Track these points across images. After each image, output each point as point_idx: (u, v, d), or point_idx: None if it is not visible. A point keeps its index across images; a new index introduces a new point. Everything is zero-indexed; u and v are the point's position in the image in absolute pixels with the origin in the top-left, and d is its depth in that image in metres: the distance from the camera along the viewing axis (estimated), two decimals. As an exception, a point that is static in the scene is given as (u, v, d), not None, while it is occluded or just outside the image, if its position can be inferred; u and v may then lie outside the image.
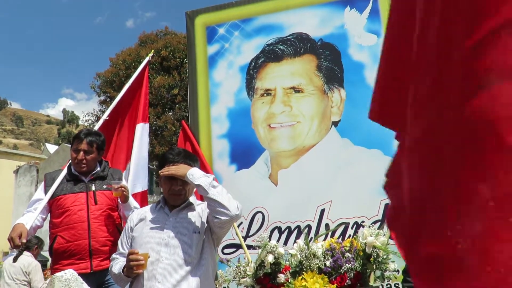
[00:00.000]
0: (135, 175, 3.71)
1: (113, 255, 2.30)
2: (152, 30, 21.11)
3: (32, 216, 2.88)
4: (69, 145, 3.15)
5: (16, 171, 23.93)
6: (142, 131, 3.92)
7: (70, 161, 3.12)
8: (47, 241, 3.05)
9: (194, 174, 2.15)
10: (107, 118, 3.70)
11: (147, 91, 4.13)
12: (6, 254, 21.93)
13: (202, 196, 2.17)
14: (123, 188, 2.95)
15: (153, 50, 5.30)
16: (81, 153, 2.98)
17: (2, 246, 23.46)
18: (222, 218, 2.10)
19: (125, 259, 2.16)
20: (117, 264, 2.20)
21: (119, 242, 2.31)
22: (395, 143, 2.59)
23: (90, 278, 2.80)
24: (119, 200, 3.05)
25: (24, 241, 2.75)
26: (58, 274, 1.59)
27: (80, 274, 2.71)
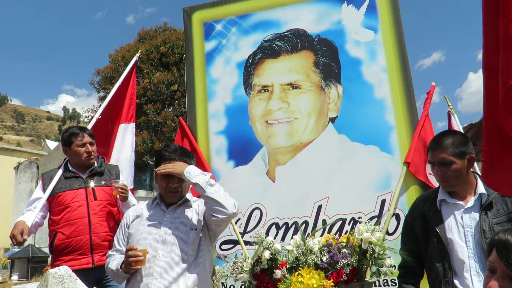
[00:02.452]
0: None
1: (109, 252, 2.31)
2: (151, 26, 21.00)
3: (32, 215, 2.91)
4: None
5: (16, 168, 23.96)
6: (124, 132, 3.95)
7: (68, 159, 3.15)
8: (47, 239, 3.08)
9: (191, 172, 2.15)
10: (100, 116, 3.72)
11: (133, 91, 4.15)
12: (7, 250, 22.02)
13: (199, 193, 2.18)
14: (121, 188, 2.97)
15: (140, 50, 5.31)
16: (88, 145, 3.05)
17: (3, 241, 23.55)
18: (219, 216, 2.11)
19: (121, 256, 2.18)
20: (114, 260, 2.21)
21: (115, 238, 2.33)
22: (392, 139, 2.69)
23: (91, 273, 2.83)
24: (118, 197, 3.07)
25: (26, 237, 2.78)
26: (52, 270, 1.60)
27: (81, 269, 2.74)
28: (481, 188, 2.10)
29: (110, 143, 3.91)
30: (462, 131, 3.70)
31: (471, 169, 2.14)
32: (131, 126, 4.04)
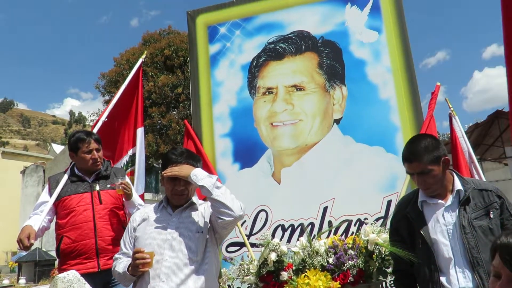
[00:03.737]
0: (139, 178, 3.79)
1: (116, 255, 2.32)
2: (155, 29, 21.13)
3: (39, 219, 2.93)
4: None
5: (23, 172, 24.11)
6: (141, 136, 4.00)
7: (74, 163, 3.16)
8: (54, 242, 3.10)
9: (198, 175, 2.16)
10: (106, 119, 3.74)
11: (141, 94, 4.18)
12: (14, 253, 22.14)
13: (205, 196, 2.19)
14: (123, 185, 2.98)
15: (145, 52, 5.31)
16: (94, 151, 3.06)
17: (10, 245, 23.69)
18: (226, 218, 2.12)
19: (128, 259, 2.18)
20: (121, 263, 2.22)
21: (121, 242, 2.33)
22: (397, 139, 2.66)
23: (97, 277, 2.84)
24: (123, 198, 3.09)
25: (33, 241, 2.80)
26: (60, 275, 1.61)
27: (87, 273, 2.74)
28: (458, 185, 2.12)
29: (117, 147, 3.93)
30: (464, 133, 3.68)
31: (449, 168, 2.17)
32: (143, 130, 4.10)
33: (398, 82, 3.34)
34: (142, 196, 3.73)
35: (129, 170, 3.89)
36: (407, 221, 2.21)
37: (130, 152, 3.98)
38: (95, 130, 3.51)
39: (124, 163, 3.94)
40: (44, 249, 18.98)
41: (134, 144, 4.00)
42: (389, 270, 2.48)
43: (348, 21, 3.56)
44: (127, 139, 4.02)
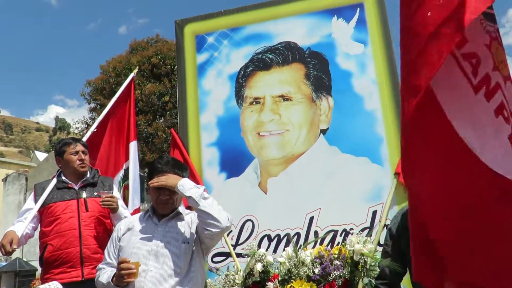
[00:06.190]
0: (135, 192, 3.77)
1: (99, 265, 2.29)
2: (143, 37, 21.13)
3: (23, 225, 2.87)
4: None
5: (5, 179, 23.67)
6: (135, 149, 4.00)
7: (61, 170, 3.13)
8: (37, 251, 3.04)
9: (185, 185, 2.15)
10: (95, 130, 3.73)
11: (133, 107, 4.19)
12: (-6, 263, 21.60)
13: (190, 205, 2.18)
14: (106, 201, 2.94)
15: (137, 67, 5.35)
16: (81, 153, 3.06)
17: (-10, 255, 23.14)
18: (213, 230, 2.11)
19: (112, 269, 2.15)
20: (105, 273, 2.18)
21: (105, 251, 2.30)
22: (382, 150, 2.70)
23: (80, 286, 2.78)
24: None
25: (15, 247, 2.74)
26: (41, 286, 1.58)
27: (71, 283, 2.69)
28: None
29: (108, 160, 3.92)
30: None
31: None
32: (136, 143, 4.10)
33: (383, 94, 3.39)
34: (138, 210, 3.71)
35: (123, 184, 3.88)
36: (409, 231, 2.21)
37: (124, 166, 3.97)
38: (84, 139, 3.50)
39: (120, 178, 3.93)
40: (24, 259, 18.57)
41: (127, 158, 3.99)
42: (375, 280, 2.50)
43: (334, 33, 3.62)
44: (121, 153, 4.01)
